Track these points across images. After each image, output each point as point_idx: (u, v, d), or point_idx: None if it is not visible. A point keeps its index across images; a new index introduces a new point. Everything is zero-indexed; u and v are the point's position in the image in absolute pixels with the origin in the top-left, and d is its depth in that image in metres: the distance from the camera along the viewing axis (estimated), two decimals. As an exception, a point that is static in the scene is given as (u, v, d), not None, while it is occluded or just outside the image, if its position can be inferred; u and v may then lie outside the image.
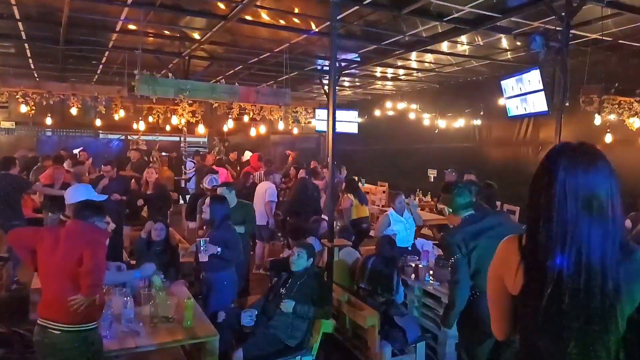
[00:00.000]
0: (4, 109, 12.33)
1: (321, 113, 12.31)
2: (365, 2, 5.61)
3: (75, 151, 10.52)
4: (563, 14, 5.07)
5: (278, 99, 8.22)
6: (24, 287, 5.46)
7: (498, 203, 8.45)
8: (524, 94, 7.19)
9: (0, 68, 10.21)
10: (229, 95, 7.74)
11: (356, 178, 8.80)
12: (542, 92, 6.64)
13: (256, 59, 9.03)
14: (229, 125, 10.01)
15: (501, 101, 8.51)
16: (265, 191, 7.05)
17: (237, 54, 8.85)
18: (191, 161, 11.09)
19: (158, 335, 3.44)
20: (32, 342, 3.29)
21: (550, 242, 1.30)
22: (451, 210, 3.20)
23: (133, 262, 5.07)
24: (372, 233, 7.67)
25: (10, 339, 3.33)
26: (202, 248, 4.10)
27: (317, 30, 6.98)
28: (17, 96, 8.23)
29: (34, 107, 8.46)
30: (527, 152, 8.81)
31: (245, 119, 9.79)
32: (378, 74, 10.60)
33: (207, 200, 4.60)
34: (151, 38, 7.70)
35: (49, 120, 10.72)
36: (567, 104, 5.37)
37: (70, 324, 2.78)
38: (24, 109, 8.46)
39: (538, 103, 6.82)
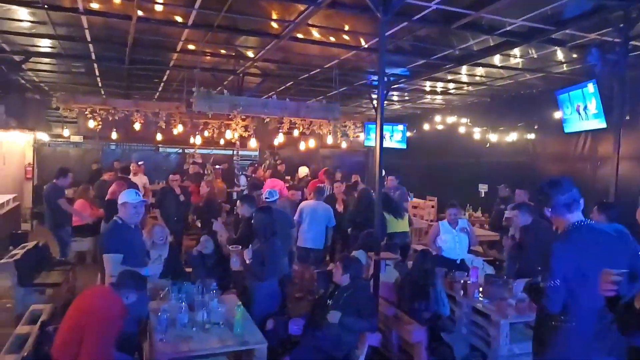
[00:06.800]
0: (73, 124, 13.25)
1: (370, 127, 12.40)
2: (414, 18, 5.67)
3: (140, 163, 11.22)
4: (621, 25, 4.91)
5: (327, 114, 8.37)
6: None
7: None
8: (581, 109, 6.95)
9: (71, 86, 11.02)
10: (280, 110, 7.99)
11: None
12: (600, 107, 6.39)
13: (307, 75, 9.26)
14: (279, 139, 10.26)
15: (557, 115, 8.24)
16: (324, 214, 6.76)
17: (289, 71, 9.12)
18: (244, 174, 11.44)
19: (210, 340, 3.61)
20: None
21: None
22: None
23: (189, 269, 5.33)
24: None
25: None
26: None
27: (366, 46, 7.09)
28: (86, 112, 8.85)
29: (100, 122, 9.06)
30: (584, 168, 8.44)
31: (295, 133, 10.01)
32: (427, 88, 10.55)
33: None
34: (208, 57, 8.10)
35: (114, 135, 11.41)
36: (627, 118, 5.16)
37: None
38: (91, 124, 9.08)
39: (596, 118, 6.57)
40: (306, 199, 7.42)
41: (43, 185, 8.98)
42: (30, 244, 6.48)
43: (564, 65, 7.74)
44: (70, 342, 2.97)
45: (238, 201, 5.87)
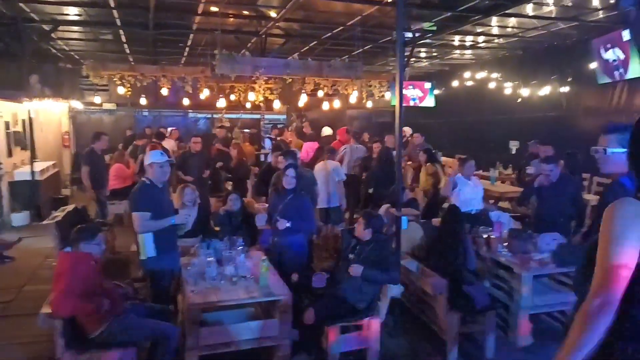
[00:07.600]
0: (105, 92, 13.54)
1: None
2: (437, -32, 5.47)
3: (170, 129, 11.48)
4: (660, -35, 4.61)
5: (350, 72, 8.28)
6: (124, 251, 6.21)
7: (587, 175, 7.97)
8: (614, 58, 6.62)
9: (100, 54, 11.22)
10: (302, 70, 7.96)
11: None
12: (636, 55, 6.07)
13: (330, 34, 9.11)
14: (302, 100, 10.23)
15: (592, 66, 7.89)
16: (332, 170, 6.72)
17: (311, 30, 8.99)
18: (269, 137, 11.56)
19: (237, 292, 3.80)
20: (129, 293, 3.85)
21: None
22: None
23: (217, 228, 5.53)
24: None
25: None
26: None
27: (389, 0, 6.90)
28: (115, 79, 9.03)
29: (130, 89, 9.25)
30: (619, 121, 8.10)
31: (320, 94, 9.95)
32: (456, 43, 10.22)
33: (290, 171, 4.82)
34: (231, 19, 8.06)
35: (142, 101, 11.63)
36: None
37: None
38: (121, 90, 9.28)
39: (630, 67, 6.25)
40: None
41: (80, 152, 9.33)
42: (69, 207, 6.81)
43: (600, 12, 7.33)
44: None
45: (281, 156, 5.98)
